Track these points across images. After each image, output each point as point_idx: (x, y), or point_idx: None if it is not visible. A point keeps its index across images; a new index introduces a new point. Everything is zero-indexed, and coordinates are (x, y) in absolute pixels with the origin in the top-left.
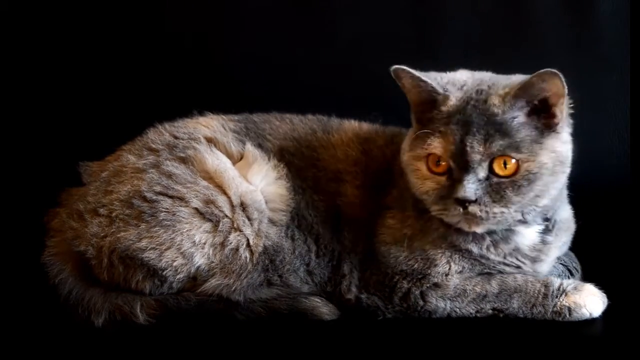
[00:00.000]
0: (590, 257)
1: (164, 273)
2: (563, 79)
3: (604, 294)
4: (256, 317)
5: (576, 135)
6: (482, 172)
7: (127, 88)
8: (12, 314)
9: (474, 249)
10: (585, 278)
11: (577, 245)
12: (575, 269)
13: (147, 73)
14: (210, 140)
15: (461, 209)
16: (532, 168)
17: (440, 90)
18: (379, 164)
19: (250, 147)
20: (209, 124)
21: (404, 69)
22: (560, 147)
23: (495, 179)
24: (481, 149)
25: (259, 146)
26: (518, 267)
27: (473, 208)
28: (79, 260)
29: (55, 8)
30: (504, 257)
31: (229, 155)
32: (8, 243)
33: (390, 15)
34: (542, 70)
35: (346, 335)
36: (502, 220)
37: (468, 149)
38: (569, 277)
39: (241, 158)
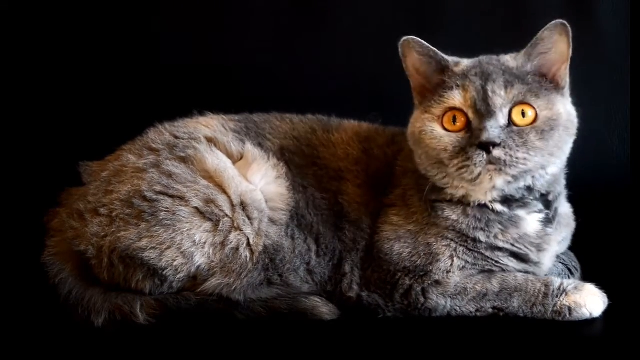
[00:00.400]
0: (590, 257)
1: (164, 272)
2: (570, 35)
3: (604, 294)
4: (256, 316)
5: (576, 136)
6: (502, 119)
7: (127, 88)
8: (12, 314)
9: (482, 237)
10: (585, 278)
11: (577, 245)
12: (575, 268)
13: (147, 73)
14: (210, 140)
15: (485, 154)
16: (551, 115)
17: (448, 58)
18: (381, 163)
19: (249, 147)
20: (210, 124)
21: (415, 39)
22: (569, 107)
23: (516, 128)
24: (503, 93)
25: (259, 145)
26: (525, 255)
27: (497, 152)
28: (79, 260)
29: (55, 8)
30: (512, 245)
31: (229, 155)
32: (8, 243)
33: (390, 15)
34: (551, 23)
35: (346, 335)
36: (524, 168)
37: (490, 93)
38: (569, 276)
39: (241, 158)
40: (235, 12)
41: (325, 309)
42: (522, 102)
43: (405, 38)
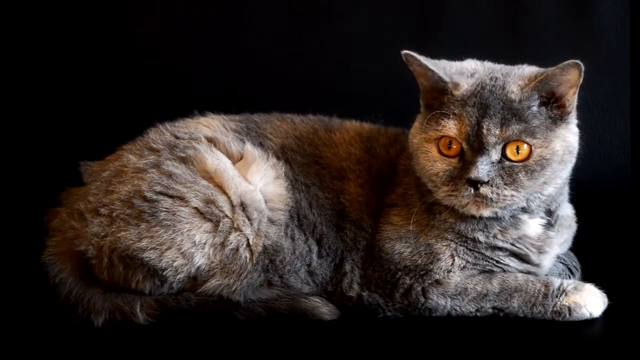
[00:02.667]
0: (590, 257)
1: (164, 273)
2: (582, 70)
3: (604, 294)
4: (256, 317)
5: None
6: (495, 155)
7: (127, 88)
8: (12, 314)
9: (481, 237)
10: (585, 278)
11: (577, 245)
12: (575, 268)
13: (147, 73)
14: (210, 140)
15: (472, 190)
16: (545, 154)
17: (447, 79)
18: (383, 163)
19: (249, 147)
20: (210, 124)
21: (412, 55)
22: (570, 137)
23: (507, 163)
24: (497, 131)
25: (260, 145)
26: (526, 255)
27: (485, 189)
28: (79, 260)
29: (55, 8)
30: (512, 244)
31: (229, 155)
32: (8, 243)
33: (390, 15)
34: (565, 63)
35: (346, 335)
36: (511, 203)
37: (484, 131)
38: (569, 276)
39: (241, 158)
40: (235, 12)
41: (325, 309)
42: (517, 140)
43: (403, 53)
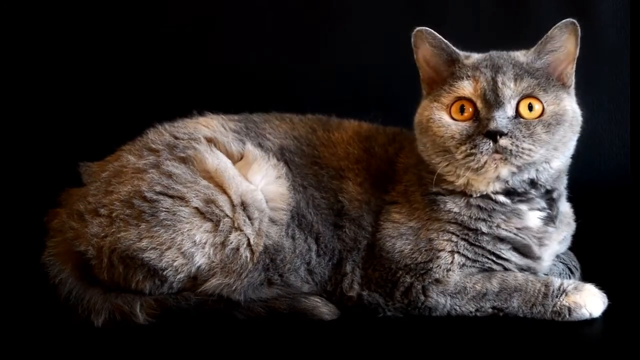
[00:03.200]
0: (590, 257)
1: (165, 273)
2: (579, 35)
3: (604, 294)
4: (256, 317)
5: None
6: (510, 111)
7: (127, 88)
8: (12, 314)
9: (484, 227)
10: (585, 278)
11: (577, 245)
12: (575, 267)
13: (147, 73)
14: (210, 141)
15: (492, 143)
16: (557, 110)
17: (458, 51)
18: (382, 162)
19: (250, 147)
20: (209, 124)
21: (429, 30)
22: (575, 105)
23: (522, 120)
24: (512, 85)
25: (259, 145)
26: (528, 245)
27: (504, 141)
28: (79, 260)
29: (55, 8)
30: (515, 234)
31: (229, 155)
32: (8, 243)
33: (391, 15)
34: (561, 22)
35: (346, 335)
36: (529, 159)
37: (500, 84)
38: (569, 276)
39: (241, 158)
40: (236, 12)
41: (325, 309)
42: (530, 96)
43: (418, 28)
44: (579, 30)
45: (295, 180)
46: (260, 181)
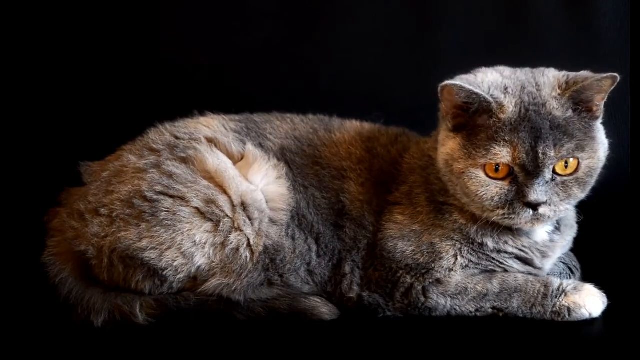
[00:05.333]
0: (590, 257)
1: (164, 273)
2: (617, 81)
3: (604, 294)
4: (256, 317)
5: None
6: (548, 174)
7: (127, 88)
8: (12, 314)
9: (490, 243)
10: (585, 278)
11: (577, 245)
12: (575, 267)
13: (147, 73)
14: (211, 141)
15: (531, 212)
16: (592, 164)
17: (491, 100)
18: (385, 162)
19: (250, 147)
20: (210, 124)
21: (456, 84)
22: (604, 137)
23: (559, 179)
24: (552, 154)
25: (260, 146)
26: (530, 260)
27: (544, 209)
28: (79, 260)
29: (55, 8)
30: (520, 250)
31: (230, 156)
32: (8, 243)
33: (391, 15)
34: (603, 75)
35: (346, 335)
36: (563, 215)
37: (540, 155)
38: (569, 276)
39: (242, 158)
40: (235, 12)
41: (325, 309)
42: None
43: (448, 83)
44: (618, 79)
45: (296, 180)
46: (260, 181)
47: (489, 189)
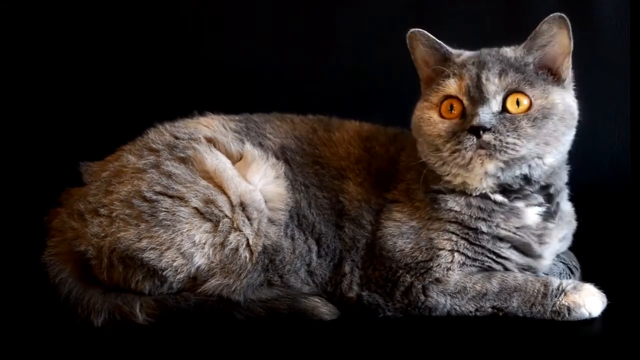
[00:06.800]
0: (590, 257)
1: (164, 273)
2: (570, 28)
3: (604, 294)
4: (256, 317)
5: (576, 136)
6: (495, 106)
7: (127, 88)
8: (12, 314)
9: (484, 227)
10: (585, 278)
11: (577, 245)
12: (575, 267)
13: (147, 73)
14: (210, 141)
15: (475, 138)
16: (545, 104)
17: (451, 50)
18: (383, 161)
19: (249, 147)
20: (210, 124)
21: (422, 32)
22: (568, 99)
23: (508, 115)
24: (496, 80)
25: (260, 145)
26: (527, 244)
27: (487, 136)
28: (79, 260)
29: (55, 8)
30: (514, 233)
31: (229, 155)
32: (8, 243)
33: (391, 15)
34: (549, 16)
35: (346, 335)
36: (515, 155)
37: (484, 81)
38: (569, 276)
39: (241, 158)
40: (236, 12)
41: (325, 309)
42: (516, 91)
43: (411, 30)
44: (569, 23)
45: (296, 179)
46: (259, 181)
47: (437, 126)
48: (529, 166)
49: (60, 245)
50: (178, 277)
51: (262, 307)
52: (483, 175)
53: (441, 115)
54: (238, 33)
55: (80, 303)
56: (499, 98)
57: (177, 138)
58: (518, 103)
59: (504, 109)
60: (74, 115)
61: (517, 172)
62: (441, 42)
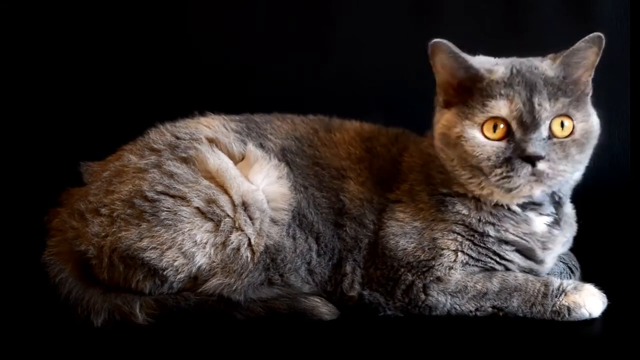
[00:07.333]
0: (590, 257)
1: (165, 273)
2: (602, 46)
3: (604, 294)
4: (256, 317)
5: None
6: (545, 132)
7: (128, 88)
8: (12, 314)
9: (492, 231)
10: (585, 278)
11: (577, 245)
12: (575, 267)
13: (147, 73)
14: (211, 141)
15: (530, 167)
16: (587, 128)
17: (478, 66)
18: (384, 161)
19: (251, 147)
20: (211, 124)
21: (444, 43)
22: (594, 114)
23: (556, 139)
24: (548, 106)
25: (261, 146)
26: (531, 249)
27: (542, 165)
28: (79, 260)
29: (55, 8)
30: (521, 238)
31: (231, 156)
32: (8, 243)
33: (391, 15)
34: (589, 35)
35: (346, 335)
36: (563, 180)
37: (537, 106)
38: (569, 276)
39: (243, 158)
40: (236, 12)
41: (325, 309)
42: (563, 114)
43: (435, 41)
44: (604, 40)
45: (296, 180)
46: (261, 181)
47: (485, 148)
48: (559, 187)
49: (60, 245)
50: (179, 276)
51: (262, 307)
52: (525, 197)
53: (484, 135)
54: (238, 33)
55: (80, 303)
56: (547, 124)
57: (178, 138)
58: (562, 125)
59: (550, 132)
60: (74, 115)
61: (550, 191)
62: (466, 56)
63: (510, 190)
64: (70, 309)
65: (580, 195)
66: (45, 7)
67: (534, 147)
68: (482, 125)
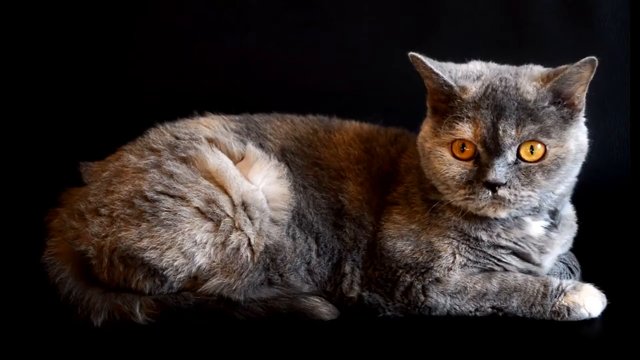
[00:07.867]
0: (590, 257)
1: (165, 273)
2: (595, 67)
3: (604, 294)
4: (256, 317)
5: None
6: (511, 157)
7: (129, 88)
8: (12, 314)
9: (484, 236)
10: (585, 278)
11: (577, 245)
12: (575, 267)
13: (147, 73)
14: (211, 141)
15: (490, 193)
16: (560, 153)
17: (452, 83)
18: (383, 162)
19: (251, 147)
20: (210, 124)
21: (418, 57)
22: (581, 136)
23: (523, 164)
24: (513, 132)
25: (260, 146)
26: (527, 254)
27: (503, 192)
28: (79, 260)
29: (55, 8)
30: (515, 243)
31: (230, 156)
32: (8, 243)
33: (390, 15)
34: (582, 60)
35: (346, 335)
36: (528, 204)
37: (500, 132)
38: (569, 276)
39: (242, 158)
40: (235, 11)
41: (324, 309)
42: (532, 140)
43: (410, 54)
44: (597, 63)
45: (296, 180)
46: (261, 181)
47: (451, 167)
48: (541, 199)
49: (60, 245)
50: (179, 276)
51: (262, 307)
52: (493, 217)
53: (453, 155)
54: (237, 33)
55: (80, 303)
56: (514, 149)
57: (178, 138)
58: (532, 150)
59: (518, 156)
60: (74, 115)
61: (528, 209)
62: (439, 72)
63: (475, 210)
64: (70, 309)
65: (580, 195)
66: (45, 7)
67: (494, 173)
68: (451, 144)
